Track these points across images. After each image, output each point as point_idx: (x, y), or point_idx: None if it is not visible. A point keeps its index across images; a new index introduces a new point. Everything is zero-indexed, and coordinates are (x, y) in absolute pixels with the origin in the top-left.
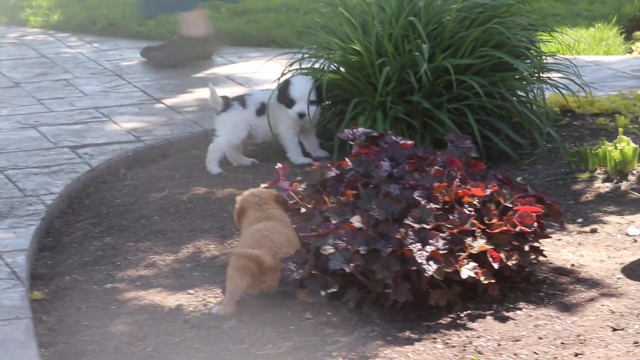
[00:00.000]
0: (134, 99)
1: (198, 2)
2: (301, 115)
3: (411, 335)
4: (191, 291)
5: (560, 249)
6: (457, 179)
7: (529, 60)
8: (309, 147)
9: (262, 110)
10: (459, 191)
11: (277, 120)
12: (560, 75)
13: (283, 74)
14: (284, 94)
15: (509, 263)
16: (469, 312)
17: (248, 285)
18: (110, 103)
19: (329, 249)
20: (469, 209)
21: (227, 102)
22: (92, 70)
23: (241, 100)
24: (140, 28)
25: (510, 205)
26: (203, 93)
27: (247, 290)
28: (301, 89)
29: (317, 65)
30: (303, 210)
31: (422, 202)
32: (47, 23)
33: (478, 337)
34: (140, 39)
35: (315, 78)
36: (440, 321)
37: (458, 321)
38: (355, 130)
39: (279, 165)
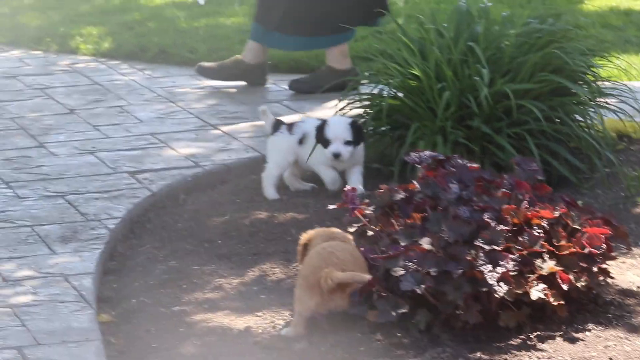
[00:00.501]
0: (189, 125)
1: (347, 37)
2: (336, 156)
3: (482, 356)
4: (259, 313)
5: (625, 271)
6: (525, 201)
7: (585, 86)
8: (350, 182)
9: (303, 139)
10: (528, 213)
11: (318, 154)
12: (615, 100)
13: (340, 101)
14: (320, 134)
15: (578, 284)
16: (538, 333)
17: (317, 304)
18: (166, 129)
19: (399, 271)
20: (538, 230)
21: (276, 126)
22: (145, 97)
23: (290, 125)
24: (191, 55)
25: (578, 227)
26: (258, 119)
27: (315, 309)
28: (336, 129)
29: (375, 91)
30: (370, 232)
31: (492, 224)
32: (98, 51)
33: (549, 358)
34: (191, 65)
35: (352, 119)
36: (511, 342)
37: (528, 342)
38: (421, 153)
39: (347, 187)
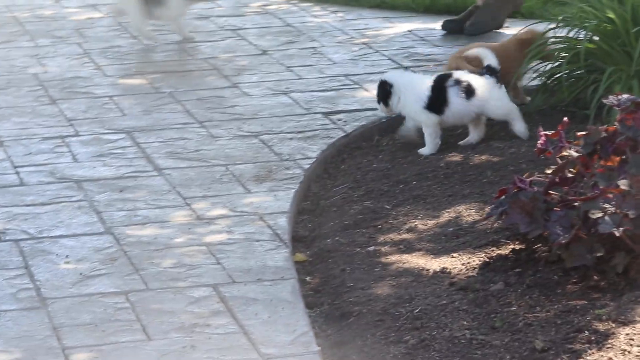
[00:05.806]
0: (382, 67)
1: None
2: None
3: None
4: (455, 255)
5: None
6: None
7: None
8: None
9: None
10: None
11: None
12: None
13: (538, 45)
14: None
15: None
16: None
17: None
18: (360, 71)
19: (597, 213)
20: None
21: None
22: (338, 39)
23: None
24: None
25: None
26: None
27: None
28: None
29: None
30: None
31: None
32: None
33: None
34: (384, 8)
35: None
36: None
37: None
38: (619, 96)
39: (565, 119)
